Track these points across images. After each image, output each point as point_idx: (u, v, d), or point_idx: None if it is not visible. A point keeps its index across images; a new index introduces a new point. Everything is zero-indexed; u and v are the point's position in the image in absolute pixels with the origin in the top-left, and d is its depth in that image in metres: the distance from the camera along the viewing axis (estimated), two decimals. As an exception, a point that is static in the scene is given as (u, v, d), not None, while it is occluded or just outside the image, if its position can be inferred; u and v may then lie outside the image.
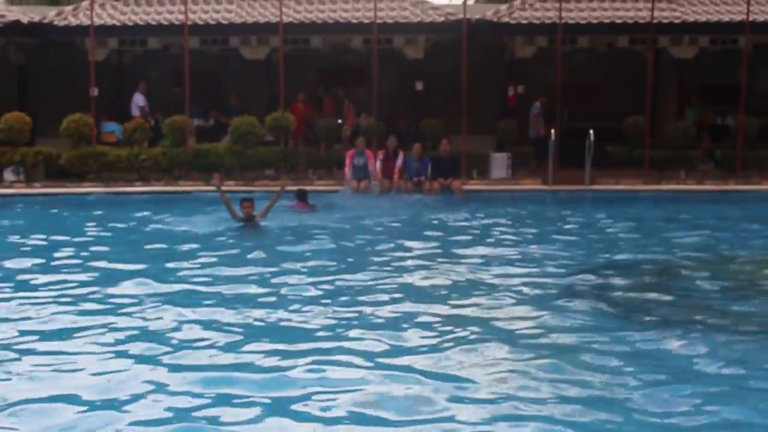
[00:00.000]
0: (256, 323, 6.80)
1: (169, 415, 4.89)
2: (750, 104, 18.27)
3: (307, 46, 19.13)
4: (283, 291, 7.89)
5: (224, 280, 8.44)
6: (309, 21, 18.87)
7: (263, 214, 12.09)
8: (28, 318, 7.02)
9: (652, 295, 7.70)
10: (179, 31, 18.16)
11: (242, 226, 11.70)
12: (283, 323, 6.79)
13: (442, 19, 19.01)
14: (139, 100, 19.06)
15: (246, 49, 18.95)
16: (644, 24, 18.56)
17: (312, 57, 20.12)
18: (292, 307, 7.16)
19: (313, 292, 7.88)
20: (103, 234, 11.82)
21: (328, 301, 7.46)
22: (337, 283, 8.28)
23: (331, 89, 20.49)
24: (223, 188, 12.27)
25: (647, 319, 6.80)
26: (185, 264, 9.30)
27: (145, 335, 6.47)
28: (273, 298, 7.65)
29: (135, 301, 7.41)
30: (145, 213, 13.89)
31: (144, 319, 6.96)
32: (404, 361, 5.75)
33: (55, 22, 18.79)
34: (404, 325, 6.66)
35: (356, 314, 7.03)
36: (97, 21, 18.47)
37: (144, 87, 19.22)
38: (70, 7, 19.88)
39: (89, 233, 11.90)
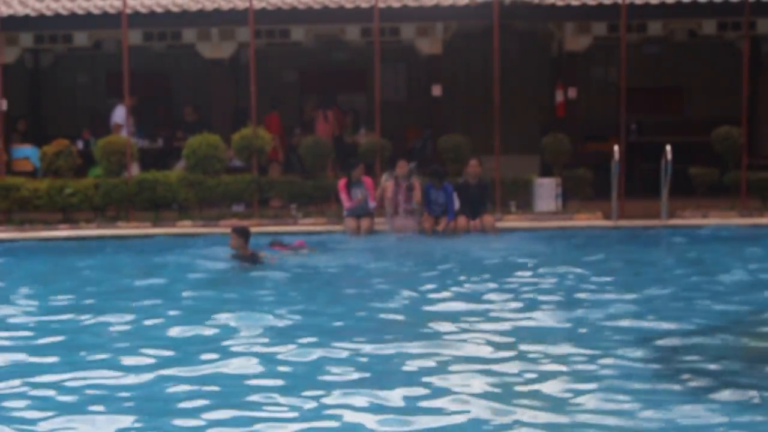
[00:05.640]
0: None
1: None
2: None
3: (287, 39, 18.05)
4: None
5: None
6: (288, 7, 17.56)
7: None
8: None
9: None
10: (115, 23, 16.89)
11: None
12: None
13: (466, 1, 17.69)
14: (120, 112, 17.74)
15: (205, 45, 17.76)
16: (737, 3, 16.76)
17: (293, 55, 19.25)
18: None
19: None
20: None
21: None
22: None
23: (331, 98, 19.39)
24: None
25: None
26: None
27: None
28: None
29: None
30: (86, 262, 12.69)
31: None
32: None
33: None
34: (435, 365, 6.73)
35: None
36: (5, 10, 17.04)
37: (130, 101, 17.79)
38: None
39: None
